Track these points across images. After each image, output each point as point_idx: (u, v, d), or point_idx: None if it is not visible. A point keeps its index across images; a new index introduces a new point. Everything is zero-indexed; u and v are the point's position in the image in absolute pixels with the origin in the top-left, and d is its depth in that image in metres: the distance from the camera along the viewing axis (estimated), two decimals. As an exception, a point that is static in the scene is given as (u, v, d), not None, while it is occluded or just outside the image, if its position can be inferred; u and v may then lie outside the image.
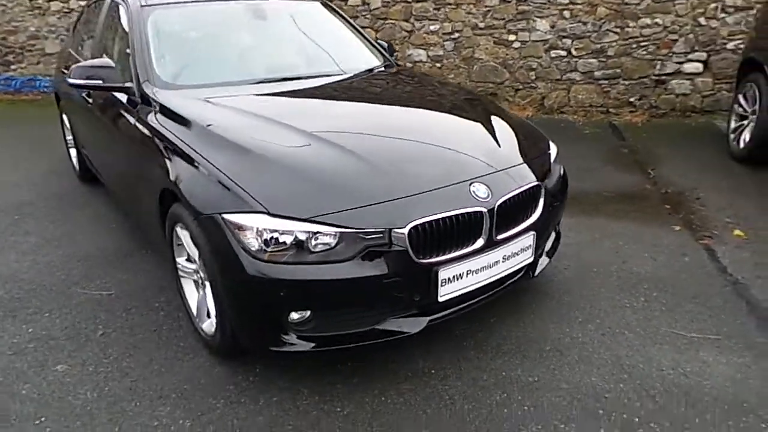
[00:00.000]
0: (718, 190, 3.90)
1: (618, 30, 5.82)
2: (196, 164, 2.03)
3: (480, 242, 2.00)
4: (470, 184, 2.02)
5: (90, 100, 3.13)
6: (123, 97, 2.72)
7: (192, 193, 1.97)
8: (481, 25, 6.16)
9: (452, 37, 6.27)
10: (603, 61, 5.95)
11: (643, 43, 5.81)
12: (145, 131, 2.44)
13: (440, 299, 1.95)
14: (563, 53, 6.03)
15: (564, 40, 5.98)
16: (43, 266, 3.03)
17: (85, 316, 2.57)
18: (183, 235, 2.21)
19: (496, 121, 2.52)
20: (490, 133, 2.38)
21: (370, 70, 3.11)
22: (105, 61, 2.72)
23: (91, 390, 2.10)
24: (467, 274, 1.98)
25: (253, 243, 1.80)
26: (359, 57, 3.24)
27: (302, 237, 1.79)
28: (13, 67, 8.00)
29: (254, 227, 1.80)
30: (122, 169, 2.88)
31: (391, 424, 1.89)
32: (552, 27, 5.97)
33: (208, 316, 2.26)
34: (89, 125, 3.39)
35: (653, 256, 2.99)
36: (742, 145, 4.41)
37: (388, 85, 2.98)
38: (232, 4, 3.21)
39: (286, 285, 1.80)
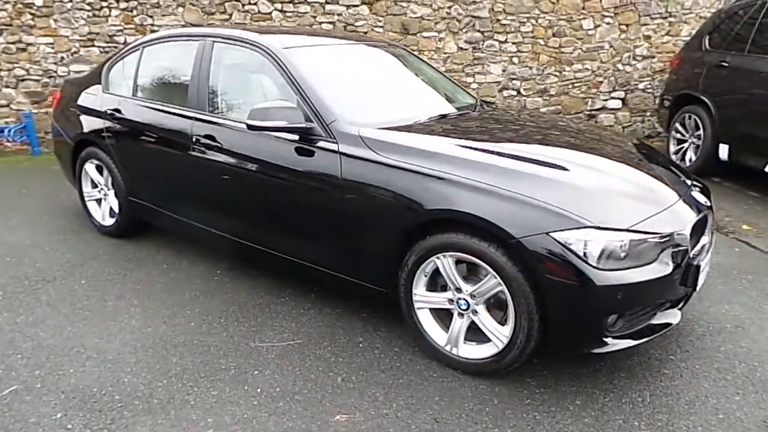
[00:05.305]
0: (694, 198, 4.86)
1: (557, 73, 6.85)
2: (486, 192, 2.14)
3: (706, 239, 2.43)
4: (691, 192, 2.45)
5: (216, 144, 2.92)
6: (292, 138, 2.65)
7: (500, 219, 2.08)
8: (442, 69, 6.76)
9: (416, 79, 6.76)
10: (547, 99, 6.93)
11: (577, 84, 6.91)
12: (360, 169, 2.44)
13: (697, 289, 2.32)
14: (514, 93, 6.88)
15: (514, 81, 6.85)
16: (188, 328, 2.71)
17: (301, 367, 2.41)
18: (444, 264, 2.28)
19: (646, 145, 3.04)
20: (662, 155, 2.87)
21: (483, 105, 3.41)
22: (284, 102, 2.61)
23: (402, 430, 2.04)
24: (704, 266, 2.39)
25: (587, 254, 2.00)
26: (465, 95, 3.52)
27: (626, 245, 2.03)
28: None
29: (584, 240, 2.00)
30: (290, 210, 2.74)
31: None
32: (503, 71, 6.81)
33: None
34: (191, 171, 3.10)
35: (714, 251, 3.69)
36: (688, 162, 5.54)
37: (522, 116, 3.30)
38: (352, 46, 3.31)
39: (619, 290, 2.02)
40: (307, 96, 2.67)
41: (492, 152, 2.38)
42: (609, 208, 2.13)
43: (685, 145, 5.63)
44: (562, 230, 2.02)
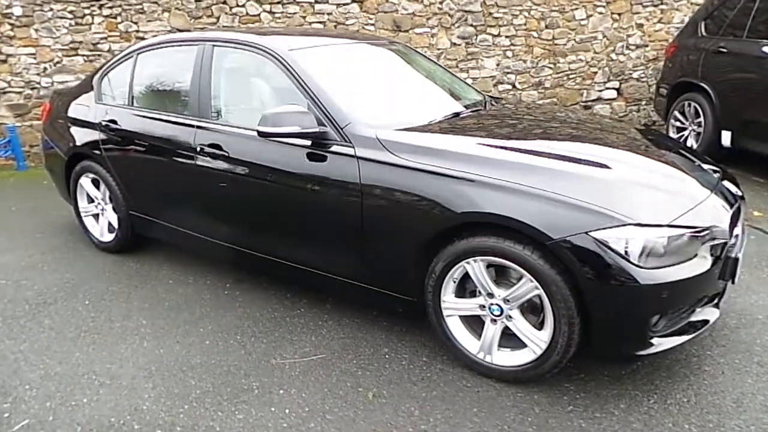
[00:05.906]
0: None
1: (551, 66, 6.79)
2: (519, 193, 2.04)
3: (739, 230, 2.35)
4: (723, 183, 2.38)
5: (222, 152, 2.78)
6: (304, 143, 2.53)
7: (537, 220, 1.98)
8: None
9: (410, 77, 6.66)
10: (542, 92, 6.86)
11: (571, 76, 6.85)
12: (380, 173, 2.33)
13: (735, 282, 2.25)
14: (509, 86, 6.81)
15: (508, 75, 6.77)
16: (203, 347, 2.58)
17: (328, 383, 2.30)
18: (475, 269, 2.18)
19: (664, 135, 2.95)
20: (677, 142, 2.79)
21: (492, 101, 3.32)
22: (295, 107, 2.49)
23: (443, 447, 1.94)
24: (741, 258, 2.31)
25: (628, 253, 1.91)
26: (471, 91, 3.43)
27: (665, 241, 1.95)
28: None
29: (625, 238, 1.92)
30: (305, 219, 2.62)
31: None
32: (497, 65, 6.72)
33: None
34: (196, 182, 2.95)
35: (729, 238, 3.65)
36: (689, 150, 5.51)
37: (520, 110, 3.21)
38: (353, 46, 3.18)
39: (664, 288, 1.93)
40: (318, 99, 2.55)
41: (518, 150, 2.29)
42: (646, 204, 2.04)
43: (686, 132, 5.59)
44: (601, 229, 1.93)
